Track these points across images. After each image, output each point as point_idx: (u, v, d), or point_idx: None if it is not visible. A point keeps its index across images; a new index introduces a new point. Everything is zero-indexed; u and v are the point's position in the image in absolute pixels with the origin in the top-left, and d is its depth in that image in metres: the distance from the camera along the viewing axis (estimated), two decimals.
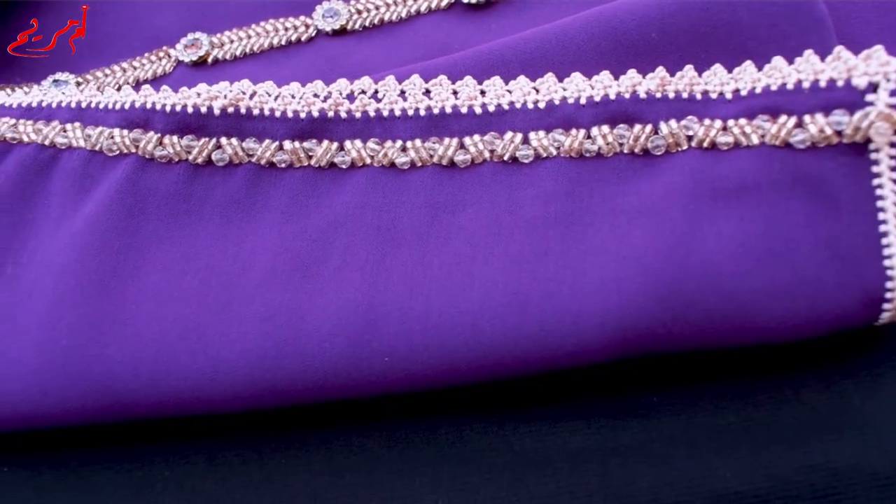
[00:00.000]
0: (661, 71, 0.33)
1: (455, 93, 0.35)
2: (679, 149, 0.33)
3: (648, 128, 0.33)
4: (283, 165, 0.35)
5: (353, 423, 0.35)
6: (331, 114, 0.35)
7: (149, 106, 0.36)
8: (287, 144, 0.35)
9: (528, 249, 0.32)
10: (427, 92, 0.35)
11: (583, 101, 0.34)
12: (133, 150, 0.36)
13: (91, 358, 0.33)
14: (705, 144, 0.32)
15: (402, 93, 0.35)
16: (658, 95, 0.33)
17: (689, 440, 0.32)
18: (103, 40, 0.44)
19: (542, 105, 0.34)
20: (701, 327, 0.31)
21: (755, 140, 0.32)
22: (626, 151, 0.33)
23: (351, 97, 0.35)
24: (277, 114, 0.35)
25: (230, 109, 0.35)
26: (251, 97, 0.35)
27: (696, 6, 0.34)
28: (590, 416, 0.34)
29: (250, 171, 0.35)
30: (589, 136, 0.33)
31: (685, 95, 0.33)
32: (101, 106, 0.36)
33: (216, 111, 0.35)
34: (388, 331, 0.32)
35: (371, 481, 0.33)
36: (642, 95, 0.33)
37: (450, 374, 0.32)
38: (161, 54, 0.43)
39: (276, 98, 0.35)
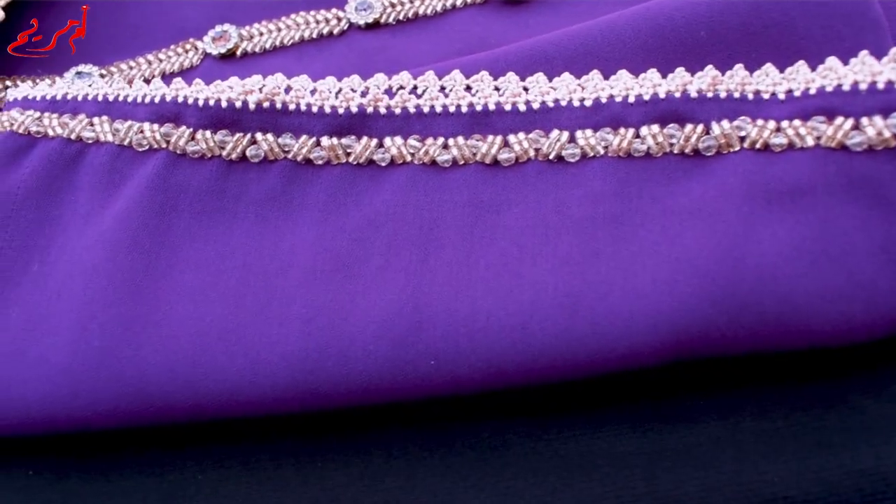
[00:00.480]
0: (710, 70, 0.33)
1: (497, 89, 0.34)
2: (731, 150, 0.32)
3: (700, 128, 0.32)
4: (320, 162, 0.34)
5: (393, 426, 0.34)
6: (370, 109, 0.34)
7: (180, 100, 0.35)
8: (325, 141, 0.34)
9: (577, 250, 0.32)
10: (468, 88, 0.35)
11: (631, 99, 0.33)
12: (164, 146, 0.35)
13: (125, 359, 0.32)
14: (758, 146, 0.32)
15: (443, 89, 0.35)
16: (709, 95, 0.32)
17: (737, 444, 0.32)
18: (127, 32, 0.43)
19: (588, 103, 0.33)
20: (755, 330, 0.30)
21: (810, 142, 0.31)
22: (675, 152, 0.33)
23: (390, 92, 0.35)
24: (315, 109, 0.34)
25: (266, 104, 0.34)
26: (287, 92, 0.35)
27: (747, 4, 0.33)
28: (634, 419, 0.33)
29: (286, 167, 0.35)
30: (638, 136, 0.33)
31: (737, 95, 0.32)
32: (130, 99, 0.35)
33: (251, 106, 0.34)
34: (434, 333, 0.31)
35: (412, 486, 0.33)
36: (693, 95, 0.32)
37: (497, 377, 0.31)
38: (188, 46, 0.42)
39: (312, 93, 0.35)
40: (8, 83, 0.42)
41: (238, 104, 0.34)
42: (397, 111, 0.34)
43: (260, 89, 0.34)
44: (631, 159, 0.33)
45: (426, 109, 0.34)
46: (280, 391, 0.31)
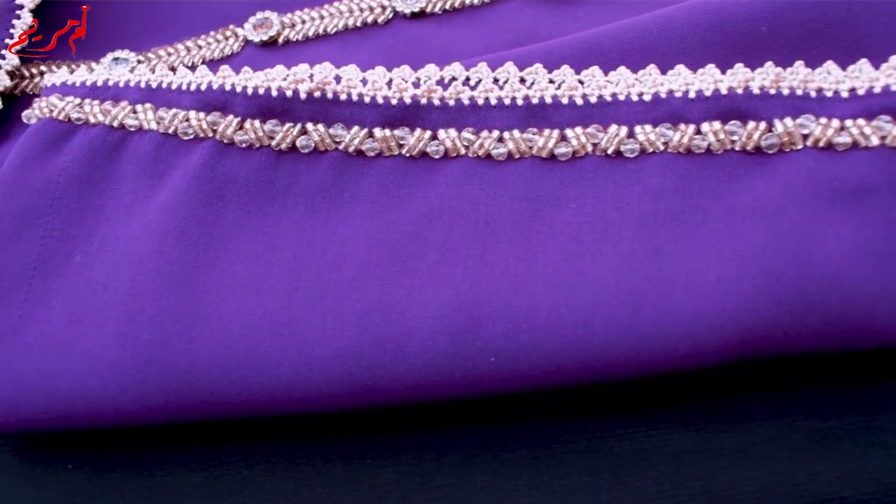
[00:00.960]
0: (771, 66, 0.32)
1: (552, 82, 0.34)
2: (794, 147, 0.32)
3: (763, 125, 0.32)
4: (371, 154, 0.34)
5: (444, 423, 0.33)
6: (423, 101, 0.34)
7: (228, 88, 0.34)
8: (377, 132, 0.34)
9: (638, 248, 0.31)
10: (522, 80, 0.34)
11: (692, 94, 0.32)
12: (210, 135, 0.34)
13: (175, 353, 0.31)
14: (821, 144, 0.31)
15: (496, 80, 0.34)
16: (772, 92, 0.32)
17: (791, 444, 0.31)
18: (164, 17, 0.42)
19: (647, 98, 0.33)
20: (818, 330, 0.30)
21: (875, 141, 0.31)
22: (737, 149, 0.32)
23: (443, 84, 0.34)
24: (367, 99, 0.34)
25: (317, 94, 0.34)
26: (337, 81, 0.34)
27: (810, 1, 0.33)
28: (689, 418, 0.32)
29: (337, 159, 0.34)
30: (699, 132, 0.32)
31: (799, 93, 0.32)
32: (175, 86, 0.35)
33: (302, 95, 0.33)
34: (493, 330, 0.30)
35: (462, 484, 0.32)
36: (756, 91, 0.32)
37: (557, 374, 0.31)
38: (228, 33, 0.41)
39: (363, 83, 0.34)
40: (42, 68, 0.41)
41: (289, 93, 0.33)
42: (451, 103, 0.34)
43: (310, 78, 0.34)
44: (691, 156, 0.32)
45: (481, 101, 0.34)
46: (334, 387, 0.31)
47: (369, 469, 0.33)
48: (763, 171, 0.32)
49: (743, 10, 0.33)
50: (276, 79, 0.34)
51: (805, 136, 0.32)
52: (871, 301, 0.29)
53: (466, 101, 0.34)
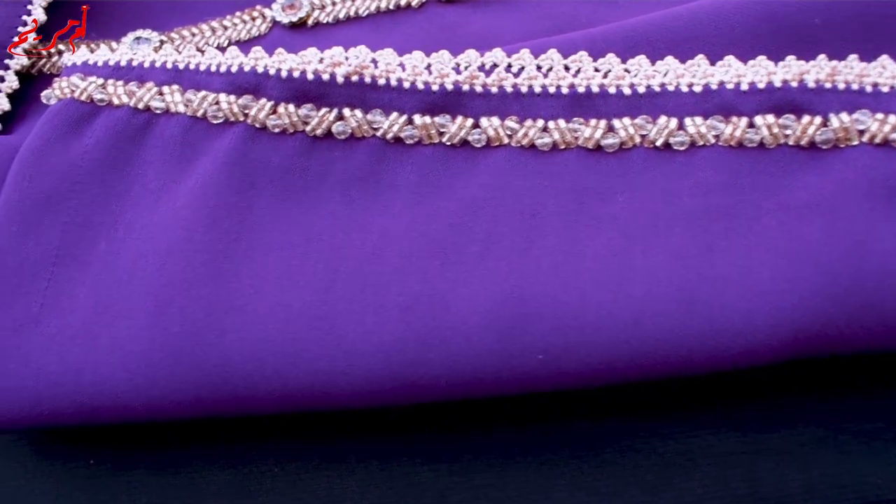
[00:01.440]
0: (825, 59, 0.31)
1: (597, 70, 0.33)
2: (849, 143, 0.31)
3: (818, 119, 0.31)
4: (410, 141, 0.32)
5: (483, 420, 0.32)
6: (465, 87, 0.32)
7: (260, 70, 0.33)
8: (417, 119, 0.32)
9: (690, 243, 0.30)
10: (566, 69, 0.33)
11: (744, 87, 0.31)
12: (241, 119, 0.33)
13: (208, 346, 0.30)
14: (877, 140, 0.30)
15: (539, 68, 0.33)
16: (828, 86, 0.31)
17: (838, 445, 0.31)
18: None
19: (697, 89, 0.32)
20: (874, 330, 0.29)
21: None
22: (790, 143, 0.31)
23: (485, 70, 0.33)
24: (407, 85, 0.32)
25: (354, 78, 0.32)
26: (375, 65, 0.33)
27: None
28: (734, 418, 0.32)
29: (374, 146, 0.33)
30: (752, 125, 0.31)
31: (855, 87, 0.31)
32: (203, 68, 0.33)
33: (339, 79, 0.32)
34: (541, 326, 0.29)
35: (503, 483, 0.31)
36: (811, 85, 0.31)
37: (606, 373, 0.30)
38: (255, 14, 0.39)
39: (403, 68, 0.33)
40: (61, 47, 0.39)
41: (325, 77, 0.32)
42: (494, 90, 0.32)
43: (349, 62, 0.32)
44: (742, 149, 0.31)
45: (524, 89, 0.32)
46: (375, 383, 0.30)
47: (406, 467, 0.32)
48: (817, 166, 0.31)
49: (797, 0, 0.33)
50: (311, 62, 0.32)
51: (861, 132, 0.31)
52: None
53: (510, 89, 0.32)
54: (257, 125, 0.32)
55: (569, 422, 0.32)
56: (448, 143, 0.33)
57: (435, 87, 0.32)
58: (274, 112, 0.32)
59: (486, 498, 0.31)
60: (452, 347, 0.30)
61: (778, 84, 0.31)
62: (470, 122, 0.32)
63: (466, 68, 0.33)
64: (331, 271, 0.31)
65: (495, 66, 0.33)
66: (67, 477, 0.33)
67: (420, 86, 0.32)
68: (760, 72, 0.32)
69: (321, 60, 0.32)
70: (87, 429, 0.33)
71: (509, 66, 0.33)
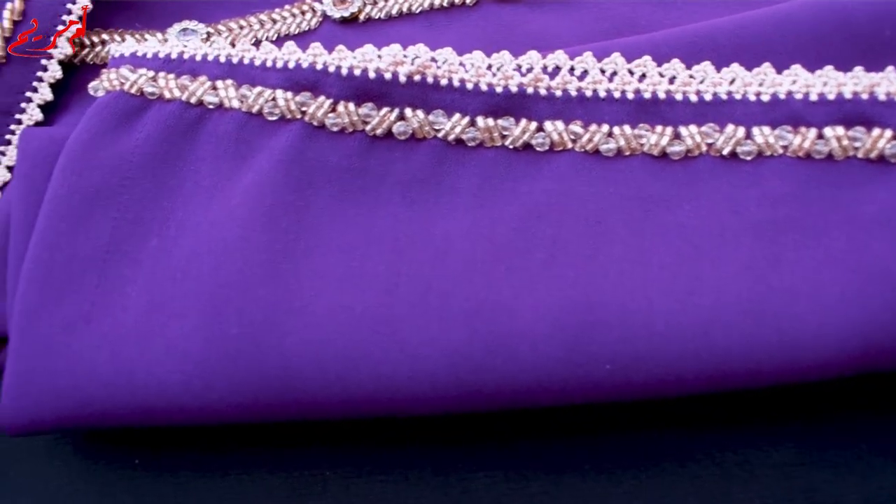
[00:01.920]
0: (892, 71, 0.31)
1: (661, 76, 0.32)
2: None
3: (888, 132, 0.30)
4: (472, 144, 0.32)
5: (538, 427, 0.32)
6: (529, 90, 0.32)
7: (319, 67, 0.32)
8: (480, 121, 0.32)
9: (759, 255, 0.30)
10: (630, 73, 0.32)
11: (813, 97, 0.31)
12: (299, 116, 0.32)
13: (267, 348, 0.29)
14: None
15: (602, 72, 0.32)
16: None
17: None
18: None
19: (765, 98, 0.31)
20: None
21: None
22: (859, 156, 0.31)
23: (548, 72, 0.32)
24: (470, 86, 0.32)
25: (417, 77, 0.32)
26: (437, 65, 0.32)
27: None
28: (792, 430, 0.32)
29: (435, 147, 0.32)
30: (821, 137, 0.31)
31: None
32: (259, 63, 0.32)
33: (401, 78, 0.31)
34: (609, 335, 0.29)
35: (559, 492, 0.31)
36: (882, 98, 0.30)
37: (675, 384, 0.29)
38: (305, 7, 0.38)
39: (466, 68, 0.32)
40: (105, 37, 0.38)
41: (387, 76, 0.31)
42: (558, 93, 0.32)
43: (412, 60, 0.32)
44: (810, 161, 0.31)
45: (589, 93, 0.32)
46: (439, 389, 0.29)
47: (460, 474, 0.32)
48: (886, 180, 0.31)
49: (867, 11, 0.32)
50: (372, 59, 0.32)
51: None
52: None
53: (574, 93, 0.32)
54: (315, 123, 0.32)
55: (626, 431, 0.32)
56: (511, 147, 0.32)
57: (499, 89, 0.32)
58: (333, 110, 0.32)
59: None
60: (518, 355, 0.29)
61: (848, 96, 0.31)
62: (534, 125, 0.32)
63: (529, 70, 0.32)
64: (393, 274, 0.30)
65: (558, 68, 0.32)
66: (112, 478, 0.33)
67: (483, 87, 0.32)
68: (830, 83, 0.31)
69: (381, 58, 0.32)
70: (132, 428, 0.32)
71: (572, 68, 0.32)
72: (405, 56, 0.32)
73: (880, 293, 0.29)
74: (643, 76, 0.32)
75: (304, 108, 0.32)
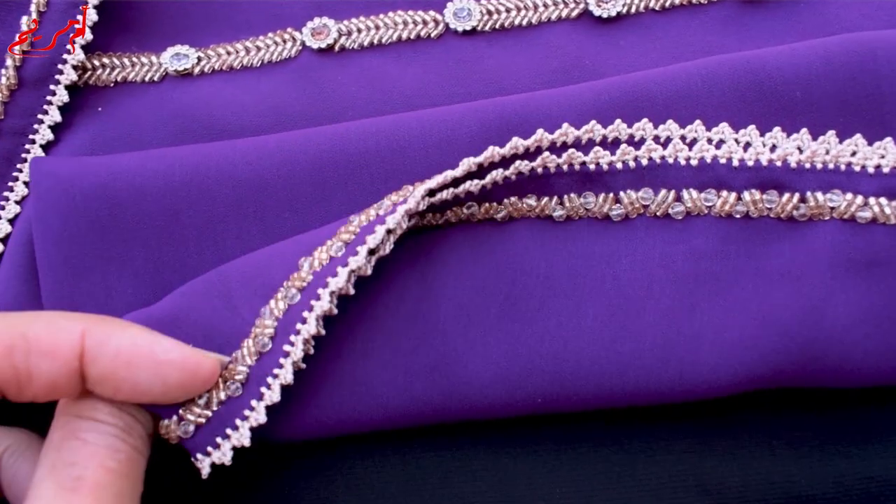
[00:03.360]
0: (806, 135, 0.35)
1: (605, 139, 0.35)
2: (822, 217, 0.34)
3: (796, 197, 0.34)
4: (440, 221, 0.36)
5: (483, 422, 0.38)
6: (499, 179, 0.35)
7: None
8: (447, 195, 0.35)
9: (677, 305, 0.35)
10: (578, 140, 0.35)
11: (735, 163, 0.35)
12: None
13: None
14: (846, 217, 0.34)
15: (553, 143, 0.35)
16: (807, 166, 0.34)
17: (771, 450, 0.37)
18: (221, 11, 0.42)
19: (694, 163, 0.35)
20: (817, 378, 0.35)
21: (893, 220, 0.34)
22: (771, 216, 0.35)
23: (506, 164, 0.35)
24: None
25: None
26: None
27: (843, 74, 0.35)
28: (686, 425, 0.37)
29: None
30: (740, 199, 0.35)
31: (831, 167, 0.34)
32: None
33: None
34: (543, 378, 0.35)
35: (496, 468, 0.37)
36: (793, 165, 0.34)
37: (592, 406, 0.35)
38: (286, 36, 0.41)
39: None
40: (105, 60, 0.41)
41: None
42: (513, 178, 0.36)
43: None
44: (731, 219, 0.35)
45: (540, 171, 0.36)
46: (406, 423, 0.36)
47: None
48: (792, 237, 0.35)
49: (782, 74, 0.35)
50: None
51: (832, 209, 0.34)
52: (864, 357, 0.34)
53: (527, 172, 0.36)
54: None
55: (552, 422, 0.38)
56: (475, 220, 0.36)
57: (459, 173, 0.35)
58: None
59: (485, 481, 0.37)
60: (468, 398, 0.35)
61: (765, 163, 0.35)
62: (494, 204, 0.36)
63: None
64: (370, 340, 0.36)
65: (515, 155, 0.35)
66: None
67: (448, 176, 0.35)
68: (750, 151, 0.35)
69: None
70: None
71: (527, 149, 0.35)
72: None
73: (771, 339, 0.34)
74: (590, 141, 0.36)
75: None
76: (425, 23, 0.41)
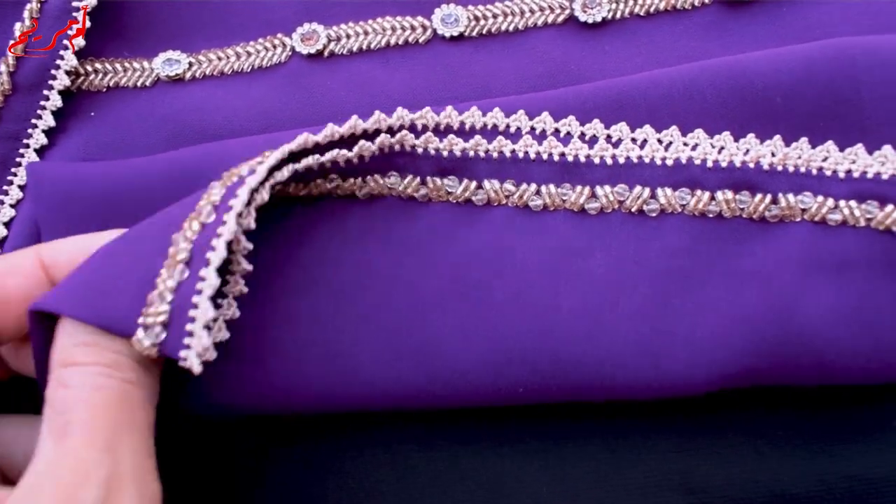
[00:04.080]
0: (781, 143, 0.35)
1: (583, 135, 0.36)
2: (793, 219, 0.35)
3: (768, 198, 0.35)
4: (423, 200, 0.37)
5: (471, 412, 0.38)
6: (471, 153, 0.36)
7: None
8: (429, 181, 0.36)
9: (650, 301, 0.35)
10: (557, 131, 0.36)
11: (709, 164, 0.35)
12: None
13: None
14: (816, 219, 0.35)
15: (533, 129, 0.36)
16: (779, 168, 0.35)
17: (755, 448, 0.37)
18: (210, 16, 0.42)
19: (669, 162, 0.35)
20: (791, 376, 0.35)
21: (862, 222, 0.34)
22: (744, 216, 0.35)
23: (488, 131, 0.36)
24: (420, 150, 0.36)
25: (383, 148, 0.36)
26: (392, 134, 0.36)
27: (823, 80, 0.35)
28: (672, 425, 0.38)
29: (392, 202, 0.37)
30: (713, 199, 0.35)
31: (803, 170, 0.35)
32: None
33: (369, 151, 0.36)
34: (521, 369, 0.35)
35: (485, 464, 0.38)
36: (765, 167, 0.35)
37: (573, 397, 0.36)
38: (276, 42, 0.41)
39: (417, 135, 0.36)
40: (97, 66, 0.41)
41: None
42: (495, 155, 0.36)
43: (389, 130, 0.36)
44: (704, 218, 0.36)
45: (521, 155, 0.36)
46: (391, 405, 0.36)
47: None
48: (764, 237, 0.35)
49: (763, 80, 0.36)
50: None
51: (803, 210, 0.35)
52: (835, 357, 0.34)
53: (508, 154, 0.36)
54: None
55: (541, 419, 0.38)
56: (454, 202, 0.37)
57: (445, 153, 0.36)
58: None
59: (473, 480, 0.38)
60: (452, 383, 0.35)
61: (738, 164, 0.35)
62: (474, 184, 0.37)
63: (472, 128, 0.36)
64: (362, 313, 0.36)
65: (496, 126, 0.36)
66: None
67: (431, 152, 0.36)
68: (724, 152, 0.35)
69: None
70: None
71: (507, 126, 0.36)
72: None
73: (743, 337, 0.34)
74: (568, 135, 0.36)
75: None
76: (413, 28, 0.41)
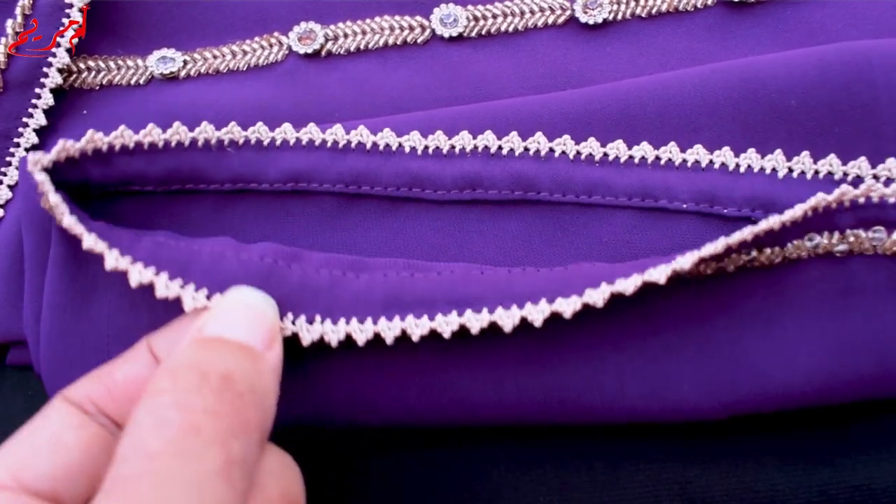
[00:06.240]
0: (806, 156, 0.35)
1: (579, 154, 0.36)
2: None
3: (777, 250, 0.34)
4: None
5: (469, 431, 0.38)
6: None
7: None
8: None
9: (652, 344, 0.34)
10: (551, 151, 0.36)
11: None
12: None
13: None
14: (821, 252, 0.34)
15: (527, 150, 0.36)
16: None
17: (756, 458, 0.37)
18: (205, 15, 0.41)
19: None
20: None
21: (869, 250, 0.33)
22: (755, 266, 0.34)
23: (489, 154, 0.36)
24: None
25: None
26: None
27: (839, 84, 0.34)
28: (668, 433, 0.37)
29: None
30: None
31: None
32: None
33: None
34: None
35: (482, 480, 0.38)
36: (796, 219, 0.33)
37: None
38: (273, 41, 0.40)
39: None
40: (90, 63, 0.40)
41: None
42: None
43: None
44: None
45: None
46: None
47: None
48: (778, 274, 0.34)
49: (777, 82, 0.35)
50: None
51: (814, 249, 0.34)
52: (834, 382, 0.34)
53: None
54: None
55: (535, 433, 0.38)
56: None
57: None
58: None
59: (470, 491, 0.37)
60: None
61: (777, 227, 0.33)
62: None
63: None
64: None
65: (512, 150, 0.36)
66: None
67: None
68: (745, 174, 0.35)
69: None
70: None
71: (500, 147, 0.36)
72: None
73: (748, 381, 0.34)
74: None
75: None
76: (412, 28, 0.40)
